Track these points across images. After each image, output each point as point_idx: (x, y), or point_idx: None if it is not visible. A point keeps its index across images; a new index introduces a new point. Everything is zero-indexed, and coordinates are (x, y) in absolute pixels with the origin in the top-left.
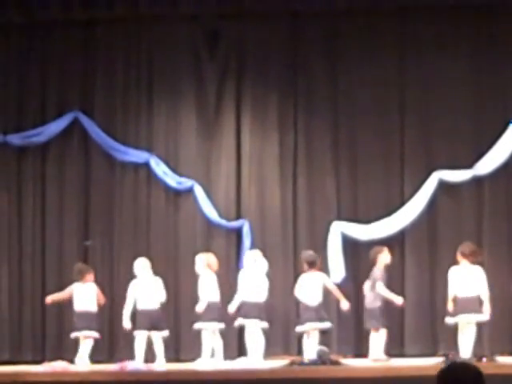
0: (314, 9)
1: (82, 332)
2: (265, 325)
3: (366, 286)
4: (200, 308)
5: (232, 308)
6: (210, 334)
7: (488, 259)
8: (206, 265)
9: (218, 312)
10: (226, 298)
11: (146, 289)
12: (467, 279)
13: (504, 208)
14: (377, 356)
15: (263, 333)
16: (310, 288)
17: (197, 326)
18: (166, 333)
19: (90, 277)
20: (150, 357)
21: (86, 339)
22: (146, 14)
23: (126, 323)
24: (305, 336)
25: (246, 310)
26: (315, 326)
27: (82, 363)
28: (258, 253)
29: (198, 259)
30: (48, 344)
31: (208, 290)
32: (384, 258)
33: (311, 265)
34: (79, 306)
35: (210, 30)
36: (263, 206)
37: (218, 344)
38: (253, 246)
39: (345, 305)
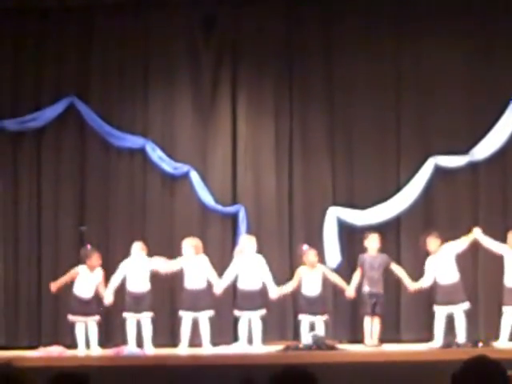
0: None
1: (85, 317)
2: (262, 312)
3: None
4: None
5: (219, 290)
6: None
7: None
8: (194, 248)
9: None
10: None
11: (137, 270)
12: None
13: (500, 193)
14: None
15: (260, 319)
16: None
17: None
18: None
19: (94, 261)
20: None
21: (91, 324)
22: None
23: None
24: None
25: (242, 301)
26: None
27: (94, 348)
28: (252, 238)
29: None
30: (44, 329)
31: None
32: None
33: None
34: (79, 290)
35: (205, 16)
36: (259, 192)
37: (206, 330)
38: (248, 232)
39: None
